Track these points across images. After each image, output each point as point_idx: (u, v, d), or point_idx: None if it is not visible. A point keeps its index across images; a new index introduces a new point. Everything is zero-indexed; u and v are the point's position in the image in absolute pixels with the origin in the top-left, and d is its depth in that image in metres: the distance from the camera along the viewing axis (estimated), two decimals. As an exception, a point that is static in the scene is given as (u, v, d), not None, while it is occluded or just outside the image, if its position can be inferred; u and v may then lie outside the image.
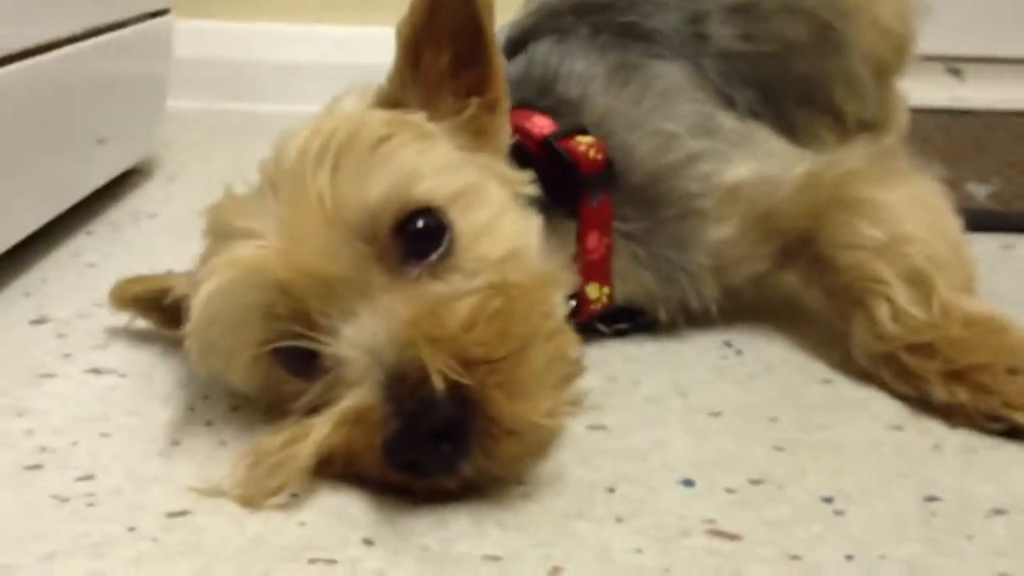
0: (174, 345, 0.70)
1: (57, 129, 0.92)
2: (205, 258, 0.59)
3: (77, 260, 0.92)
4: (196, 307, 0.56)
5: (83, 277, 0.88)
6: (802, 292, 0.76)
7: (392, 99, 0.64)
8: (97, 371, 0.69)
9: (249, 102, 1.55)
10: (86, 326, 0.77)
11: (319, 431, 0.52)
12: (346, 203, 0.55)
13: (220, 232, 0.59)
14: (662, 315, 0.73)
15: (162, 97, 1.22)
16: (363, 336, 0.53)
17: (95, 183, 1.04)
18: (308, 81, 1.46)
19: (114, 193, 1.10)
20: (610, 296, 0.72)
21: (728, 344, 0.74)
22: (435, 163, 0.59)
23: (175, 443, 0.60)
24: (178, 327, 0.61)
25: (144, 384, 0.68)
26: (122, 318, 0.74)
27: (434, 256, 0.57)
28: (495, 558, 0.49)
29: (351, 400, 0.52)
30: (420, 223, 0.57)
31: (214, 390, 0.65)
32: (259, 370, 0.58)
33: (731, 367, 0.71)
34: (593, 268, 0.70)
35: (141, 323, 0.74)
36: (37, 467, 0.57)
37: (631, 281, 0.72)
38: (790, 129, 0.84)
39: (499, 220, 0.60)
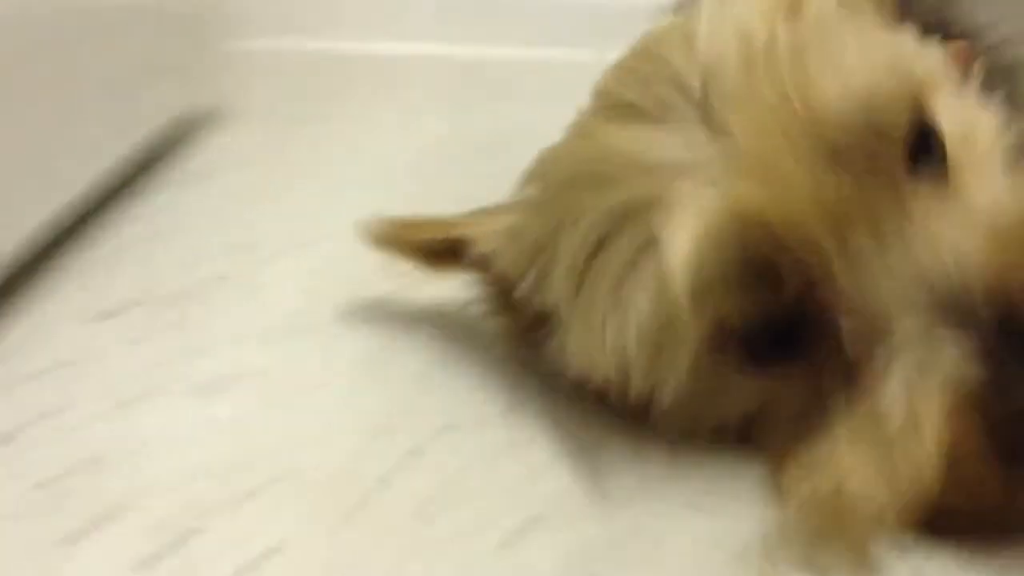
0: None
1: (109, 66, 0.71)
2: (615, 208, 0.38)
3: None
4: (665, 273, 0.36)
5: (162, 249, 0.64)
6: None
7: None
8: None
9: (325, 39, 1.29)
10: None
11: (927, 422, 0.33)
12: (840, 106, 0.37)
13: (632, 165, 0.39)
14: None
15: (220, 36, 1.01)
16: (917, 282, 0.35)
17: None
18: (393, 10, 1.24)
19: (173, 150, 0.86)
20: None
21: None
22: (909, 50, 0.42)
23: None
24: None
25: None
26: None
27: (933, 165, 0.39)
28: None
29: (936, 371, 0.34)
30: (924, 125, 0.39)
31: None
32: (708, 361, 0.39)
33: None
34: None
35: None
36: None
37: None
38: None
39: (978, 116, 0.43)
